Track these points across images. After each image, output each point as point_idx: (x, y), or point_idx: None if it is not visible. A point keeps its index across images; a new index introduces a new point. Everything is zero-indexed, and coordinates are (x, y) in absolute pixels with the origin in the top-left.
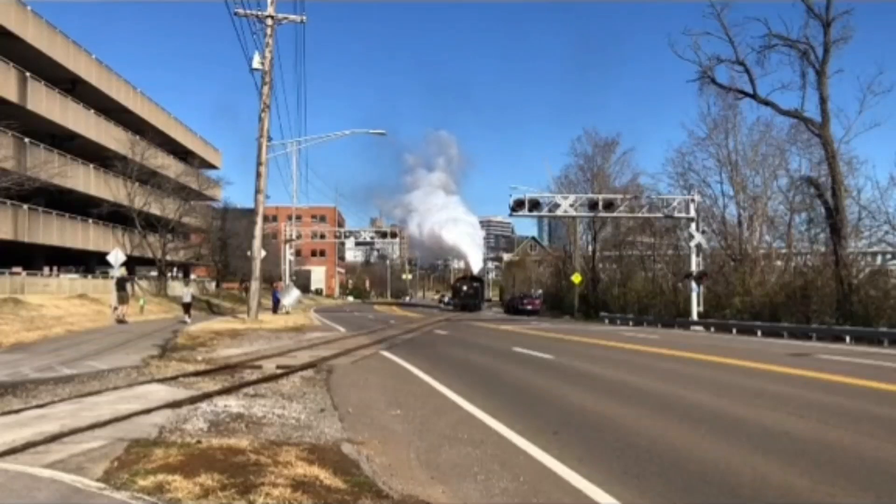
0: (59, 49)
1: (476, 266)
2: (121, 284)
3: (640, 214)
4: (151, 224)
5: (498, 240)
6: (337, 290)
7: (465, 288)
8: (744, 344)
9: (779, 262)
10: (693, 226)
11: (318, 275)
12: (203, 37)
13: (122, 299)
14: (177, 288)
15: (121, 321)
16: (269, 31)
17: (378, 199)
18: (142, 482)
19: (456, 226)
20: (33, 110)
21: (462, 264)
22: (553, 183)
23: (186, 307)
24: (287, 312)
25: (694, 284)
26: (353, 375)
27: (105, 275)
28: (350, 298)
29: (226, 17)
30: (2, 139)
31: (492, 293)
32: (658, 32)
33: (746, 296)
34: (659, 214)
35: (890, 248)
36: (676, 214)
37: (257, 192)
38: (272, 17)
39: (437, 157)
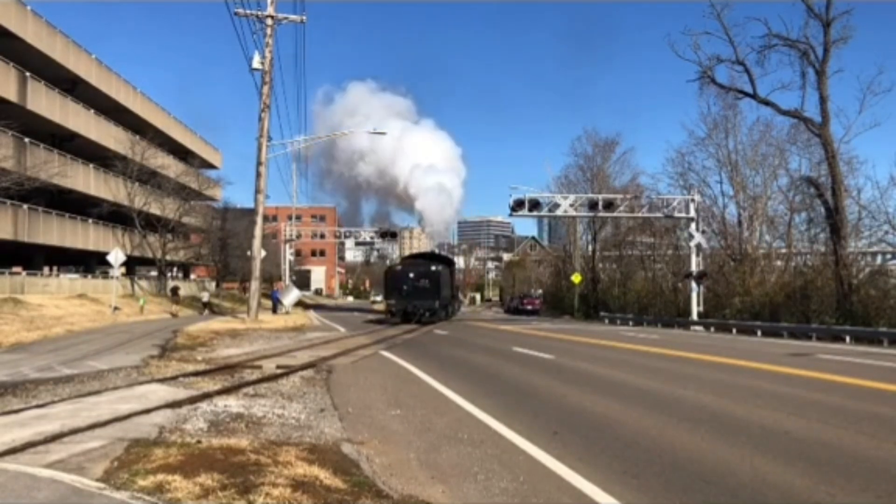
0: (59, 49)
1: (440, 234)
2: (174, 291)
3: (639, 214)
4: (151, 224)
5: (498, 240)
6: (337, 290)
7: (410, 276)
8: (744, 344)
9: (779, 262)
10: (693, 226)
11: (318, 275)
12: (203, 37)
13: (176, 302)
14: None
15: (174, 315)
16: (268, 31)
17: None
18: (142, 482)
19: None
20: (33, 110)
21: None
22: (553, 183)
23: (205, 305)
24: (287, 312)
25: (694, 284)
26: (353, 375)
27: (105, 275)
28: (350, 298)
29: (226, 17)
30: (2, 139)
31: (492, 293)
32: (658, 32)
33: (746, 296)
34: (659, 214)
35: (890, 248)
36: (676, 214)
37: (257, 191)
38: (272, 17)
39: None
